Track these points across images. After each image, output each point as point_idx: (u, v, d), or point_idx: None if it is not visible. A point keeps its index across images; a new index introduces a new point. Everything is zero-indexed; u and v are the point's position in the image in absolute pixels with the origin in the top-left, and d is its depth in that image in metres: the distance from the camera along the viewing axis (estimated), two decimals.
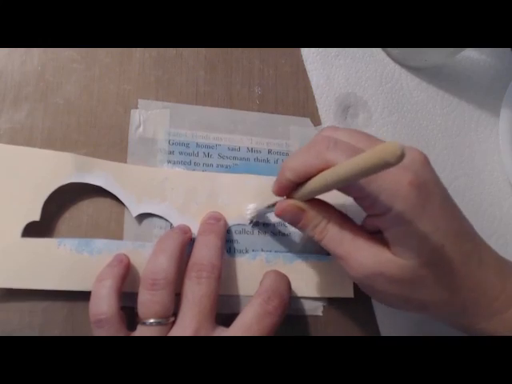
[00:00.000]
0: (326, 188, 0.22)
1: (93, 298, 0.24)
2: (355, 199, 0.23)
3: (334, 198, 0.25)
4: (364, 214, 0.25)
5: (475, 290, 0.24)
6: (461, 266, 0.23)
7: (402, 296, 0.24)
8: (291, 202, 0.25)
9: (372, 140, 0.24)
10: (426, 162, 0.23)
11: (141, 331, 0.24)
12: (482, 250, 0.24)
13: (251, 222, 0.29)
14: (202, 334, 0.23)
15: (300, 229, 0.25)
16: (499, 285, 0.24)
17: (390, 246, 0.23)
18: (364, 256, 0.23)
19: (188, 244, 0.26)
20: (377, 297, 0.25)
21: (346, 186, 0.22)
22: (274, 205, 0.26)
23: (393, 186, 0.22)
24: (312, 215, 0.24)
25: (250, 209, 0.29)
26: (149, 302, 0.24)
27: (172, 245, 0.25)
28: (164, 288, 0.23)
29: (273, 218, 0.30)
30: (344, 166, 0.20)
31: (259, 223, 0.30)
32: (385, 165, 0.17)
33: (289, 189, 0.24)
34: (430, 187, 0.23)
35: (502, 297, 0.24)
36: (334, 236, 0.24)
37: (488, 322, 0.24)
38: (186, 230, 0.27)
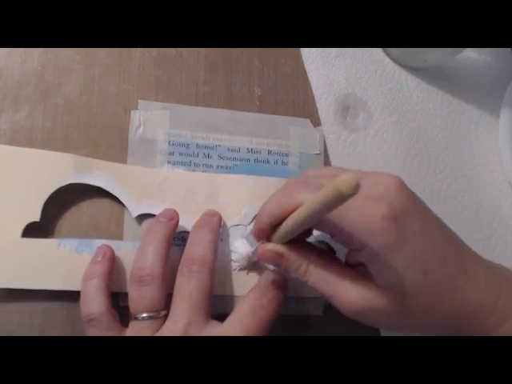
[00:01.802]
0: (299, 227, 0.22)
1: (82, 298, 0.24)
2: (331, 236, 0.23)
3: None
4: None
5: (466, 311, 0.23)
6: (448, 289, 0.23)
7: (394, 324, 0.24)
8: (269, 246, 0.25)
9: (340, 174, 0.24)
10: (400, 187, 0.23)
11: (133, 326, 0.24)
12: (469, 265, 0.24)
13: (241, 269, 0.29)
14: (194, 328, 0.23)
15: (284, 271, 0.25)
16: (491, 301, 0.24)
17: (374, 278, 0.23)
18: (351, 294, 0.23)
19: (175, 230, 0.26)
20: (373, 326, 0.25)
21: (316, 223, 0.22)
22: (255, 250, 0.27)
23: (365, 221, 0.21)
24: (291, 259, 0.24)
25: (237, 259, 0.28)
26: (138, 297, 0.24)
27: (157, 238, 0.25)
28: (151, 283, 0.24)
29: None
30: (308, 204, 0.20)
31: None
32: (341, 197, 0.17)
33: (267, 232, 0.25)
34: (407, 215, 0.22)
35: (496, 313, 0.23)
36: (317, 277, 0.24)
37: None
38: (171, 216, 0.26)
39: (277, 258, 0.24)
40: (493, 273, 0.25)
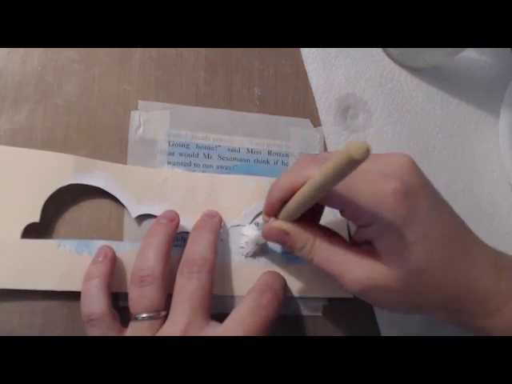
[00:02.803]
0: (308, 200, 0.22)
1: (83, 298, 0.24)
2: (341, 213, 0.24)
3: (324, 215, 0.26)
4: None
5: (468, 292, 0.24)
6: (452, 270, 0.23)
7: (398, 303, 0.24)
8: (275, 224, 0.25)
9: None
10: (412, 166, 0.23)
11: (133, 327, 0.24)
12: (473, 249, 0.24)
13: (248, 255, 0.29)
14: (194, 328, 0.23)
15: (289, 249, 0.26)
16: (493, 285, 0.24)
17: (381, 255, 0.23)
18: (356, 272, 0.23)
19: (176, 232, 0.26)
20: (375, 305, 0.26)
21: (327, 198, 0.22)
22: None
23: (376, 196, 0.22)
24: (297, 237, 0.24)
25: (245, 244, 0.29)
26: (138, 298, 0.24)
27: (158, 239, 0.25)
28: (151, 284, 0.24)
29: None
30: (317, 175, 0.20)
31: (260, 224, 0.30)
32: (352, 162, 0.17)
33: (277, 209, 0.25)
34: (418, 192, 0.22)
35: (497, 295, 0.24)
36: (322, 256, 0.24)
37: (486, 319, 0.24)
38: (172, 217, 0.26)
39: (282, 236, 0.25)
40: (496, 258, 0.25)
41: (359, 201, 0.22)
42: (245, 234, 0.29)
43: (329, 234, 0.25)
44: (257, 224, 0.29)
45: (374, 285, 0.23)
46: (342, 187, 0.21)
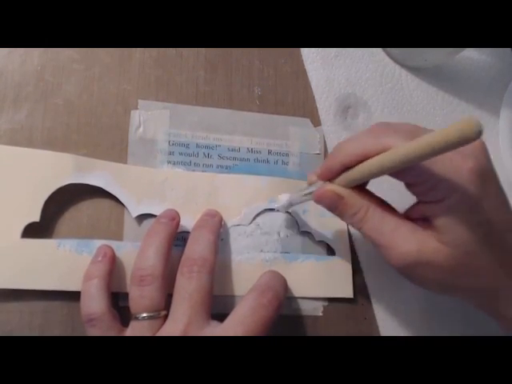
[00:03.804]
0: (383, 171, 0.21)
1: (82, 298, 0.24)
2: (408, 186, 0.23)
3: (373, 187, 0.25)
4: (403, 204, 0.25)
5: (510, 279, 0.24)
6: (502, 256, 0.23)
7: (442, 282, 0.24)
8: (330, 187, 0.24)
9: (425, 129, 0.24)
10: (484, 149, 0.23)
11: (133, 326, 0.24)
12: None
13: (282, 209, 0.29)
14: (194, 328, 0.23)
15: (338, 215, 0.25)
16: None
17: (439, 233, 0.23)
18: (407, 245, 0.23)
19: (176, 231, 0.26)
20: (415, 282, 0.25)
21: (402, 169, 0.22)
22: (310, 193, 0.26)
23: (454, 172, 0.21)
24: (351, 202, 0.24)
25: (282, 198, 0.29)
26: (138, 297, 0.24)
27: (158, 239, 0.25)
28: (152, 283, 0.24)
29: (274, 218, 0.30)
30: (407, 146, 0.19)
31: (260, 224, 0.30)
32: (463, 140, 0.17)
33: (338, 173, 0.24)
34: (490, 175, 0.22)
35: None
36: (374, 224, 0.24)
37: None
38: (173, 216, 0.26)
39: (336, 201, 0.24)
40: None
41: (437, 174, 0.21)
42: (279, 199, 0.29)
43: (382, 203, 0.25)
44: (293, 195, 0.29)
45: (424, 260, 0.23)
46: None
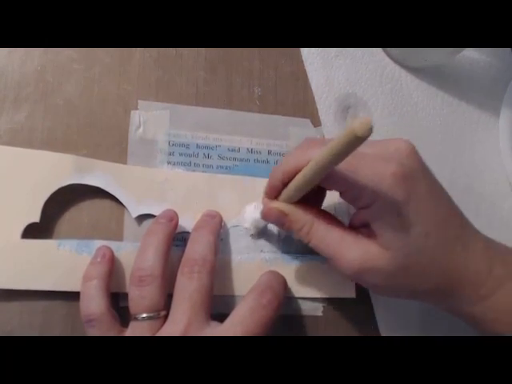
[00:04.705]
0: (309, 181, 0.22)
1: (82, 298, 0.24)
2: (341, 194, 0.24)
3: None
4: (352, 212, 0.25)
5: (460, 276, 0.24)
6: (445, 253, 0.24)
7: (390, 286, 0.24)
8: (274, 204, 0.25)
9: None
10: (411, 151, 0.23)
11: (133, 327, 0.24)
12: (468, 235, 0.25)
13: (254, 235, 0.29)
14: (194, 328, 0.23)
15: (287, 231, 0.26)
16: (485, 270, 0.24)
17: (377, 237, 0.23)
18: (352, 253, 0.24)
19: (175, 231, 0.26)
20: (370, 288, 0.26)
21: (327, 180, 0.22)
22: None
23: (376, 178, 0.22)
24: (295, 218, 0.25)
25: (248, 225, 0.29)
26: (137, 297, 0.24)
27: (157, 239, 0.25)
28: (151, 283, 0.24)
29: None
30: (320, 154, 0.20)
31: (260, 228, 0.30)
32: (356, 140, 0.17)
33: (278, 190, 0.25)
34: (416, 176, 0.23)
35: (489, 282, 0.24)
36: (320, 237, 0.25)
37: (475, 306, 0.24)
38: (171, 217, 0.27)
39: (281, 217, 0.25)
40: (490, 245, 0.25)
41: (360, 182, 0.22)
42: (245, 216, 0.29)
43: (328, 217, 0.26)
44: (256, 206, 0.29)
45: (370, 266, 0.23)
46: (342, 169, 0.22)
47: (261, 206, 0.27)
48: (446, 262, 0.24)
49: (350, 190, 0.23)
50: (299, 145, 0.25)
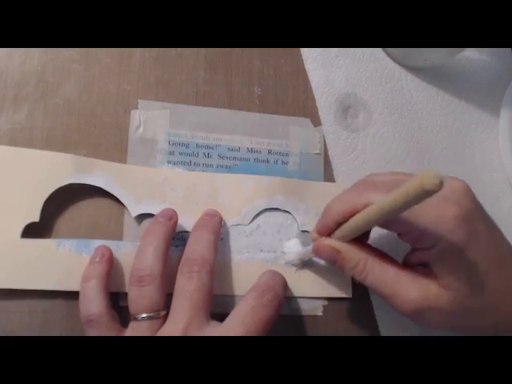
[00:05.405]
0: (369, 224, 0.23)
1: (81, 299, 0.24)
2: (399, 235, 0.24)
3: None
4: (400, 251, 0.26)
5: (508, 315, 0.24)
6: (505, 291, 0.24)
7: (448, 324, 0.24)
8: (327, 242, 0.26)
9: (409, 176, 0.25)
10: (467, 191, 0.24)
11: (132, 327, 0.24)
12: None
13: (293, 261, 0.29)
14: (194, 328, 0.23)
15: (339, 268, 0.26)
16: None
17: (438, 278, 0.23)
18: (411, 293, 0.24)
19: (174, 230, 0.26)
20: (425, 325, 0.26)
21: (388, 221, 0.23)
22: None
23: (438, 220, 0.22)
24: (348, 256, 0.25)
25: (292, 257, 0.29)
26: (137, 297, 0.24)
27: (156, 238, 0.25)
28: (151, 283, 0.24)
29: (274, 218, 0.30)
30: (386, 201, 0.20)
31: (260, 224, 0.30)
32: (424, 194, 0.18)
33: (331, 229, 0.26)
34: (474, 217, 0.23)
35: None
36: (375, 276, 0.25)
37: None
38: (170, 215, 0.26)
39: (334, 255, 0.25)
40: None
41: (422, 225, 0.22)
42: (289, 251, 0.29)
43: (380, 254, 0.26)
44: (299, 240, 0.29)
45: (429, 306, 0.23)
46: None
47: (299, 242, 0.28)
48: (505, 300, 0.24)
49: (412, 232, 0.23)
50: (354, 185, 0.26)
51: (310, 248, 0.27)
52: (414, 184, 0.18)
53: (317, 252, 0.26)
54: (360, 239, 0.25)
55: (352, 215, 0.24)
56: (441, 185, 0.17)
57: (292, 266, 0.29)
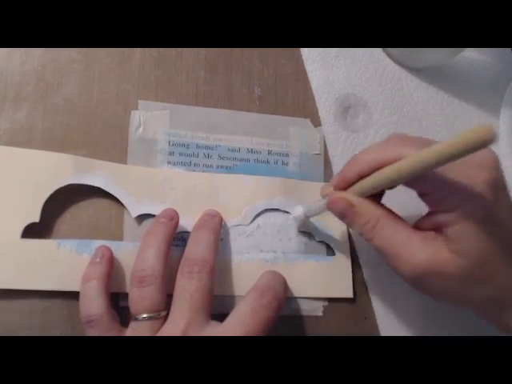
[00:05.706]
0: (398, 179, 0.22)
1: (81, 299, 0.24)
2: (421, 195, 0.24)
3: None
4: (411, 215, 0.25)
5: None
6: (510, 266, 0.23)
7: (451, 292, 0.24)
8: (342, 194, 0.25)
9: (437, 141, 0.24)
10: (497, 162, 0.23)
11: (133, 327, 0.24)
12: None
13: (297, 221, 0.29)
14: (194, 328, 0.23)
15: (349, 224, 0.25)
16: None
17: (451, 243, 0.23)
18: (420, 254, 0.23)
19: (175, 231, 0.26)
20: (425, 292, 0.25)
21: (415, 179, 0.22)
22: (325, 204, 0.26)
23: (468, 183, 0.22)
24: (361, 211, 0.24)
25: (297, 211, 0.29)
26: (138, 298, 0.24)
27: (157, 239, 0.25)
28: (152, 284, 0.24)
29: (274, 218, 0.30)
30: (423, 153, 0.20)
31: (260, 224, 0.30)
32: (481, 144, 0.17)
33: (350, 183, 0.24)
34: (501, 188, 0.23)
35: None
36: (385, 234, 0.24)
37: None
38: (171, 216, 0.26)
39: (347, 209, 0.24)
40: None
41: (449, 185, 0.22)
42: (293, 214, 0.29)
43: (393, 215, 0.25)
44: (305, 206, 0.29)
45: (436, 270, 0.23)
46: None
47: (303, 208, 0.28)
48: (508, 274, 0.23)
49: (439, 191, 0.22)
50: (385, 140, 0.24)
51: (320, 204, 0.27)
52: (469, 134, 0.17)
53: (330, 204, 0.25)
54: (374, 198, 0.25)
55: (378, 168, 0.23)
56: (496, 136, 0.17)
57: (297, 223, 0.29)
